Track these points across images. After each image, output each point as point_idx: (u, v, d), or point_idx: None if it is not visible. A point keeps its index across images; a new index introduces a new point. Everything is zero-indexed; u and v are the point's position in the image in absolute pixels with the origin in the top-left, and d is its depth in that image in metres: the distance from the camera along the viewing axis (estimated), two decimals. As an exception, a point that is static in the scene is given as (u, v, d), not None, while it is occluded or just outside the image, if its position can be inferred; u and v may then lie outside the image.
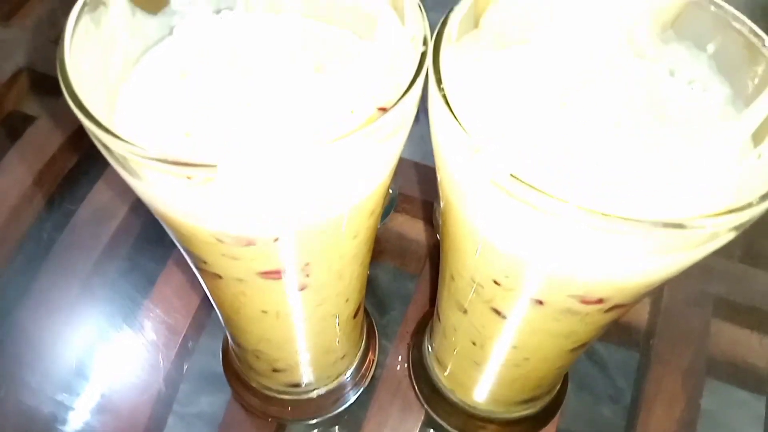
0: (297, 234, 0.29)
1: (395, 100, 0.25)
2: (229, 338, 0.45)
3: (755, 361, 0.56)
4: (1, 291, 0.58)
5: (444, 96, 0.25)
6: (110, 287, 0.59)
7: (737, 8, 0.29)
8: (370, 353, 0.50)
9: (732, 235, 0.26)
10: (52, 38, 0.76)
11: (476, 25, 0.32)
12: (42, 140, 0.68)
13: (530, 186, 0.24)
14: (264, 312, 0.36)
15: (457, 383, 0.46)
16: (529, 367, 0.39)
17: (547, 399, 0.47)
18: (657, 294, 0.59)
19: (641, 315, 0.59)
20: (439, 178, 0.31)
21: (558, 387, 0.48)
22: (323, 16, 0.35)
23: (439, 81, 0.26)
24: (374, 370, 0.50)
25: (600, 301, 0.29)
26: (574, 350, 0.36)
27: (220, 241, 0.29)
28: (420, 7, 0.30)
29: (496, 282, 0.31)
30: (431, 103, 0.27)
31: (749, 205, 0.23)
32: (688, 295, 0.59)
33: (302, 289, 0.34)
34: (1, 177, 0.64)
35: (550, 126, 0.31)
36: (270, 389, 0.47)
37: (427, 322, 0.51)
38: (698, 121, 0.32)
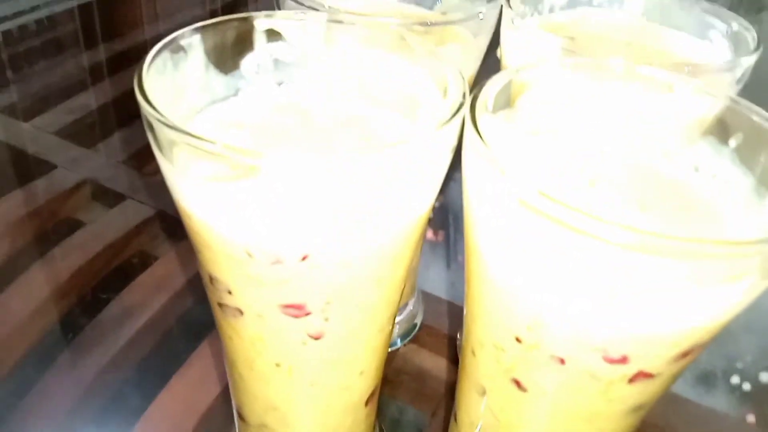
0: (323, 259, 0.30)
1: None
2: (235, 418, 0.43)
3: None
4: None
5: (474, 122, 0.27)
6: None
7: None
8: (378, 466, 0.47)
9: (758, 287, 0.26)
10: (120, 159, 0.83)
11: (511, 104, 0.35)
12: (86, 242, 0.71)
13: (561, 203, 0.24)
14: (278, 365, 0.35)
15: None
16: (548, 469, 0.36)
17: None
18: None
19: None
20: (465, 225, 0.32)
21: None
22: (374, 99, 0.38)
23: (473, 113, 0.28)
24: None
25: (624, 359, 0.28)
26: (597, 448, 0.34)
27: (249, 255, 0.29)
28: (462, 76, 0.33)
29: (518, 339, 0.31)
30: (465, 141, 0.29)
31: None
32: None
33: (319, 337, 0.33)
34: (37, 274, 0.67)
35: (575, 199, 0.32)
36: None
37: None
38: (722, 210, 0.33)
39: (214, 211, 0.29)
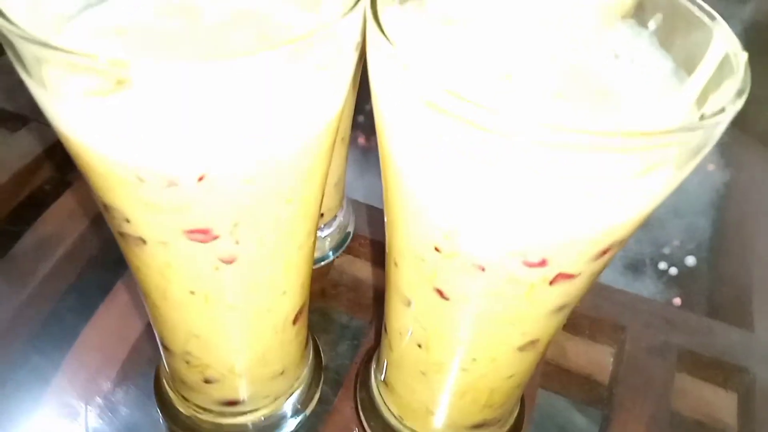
0: (222, 177, 0.27)
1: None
2: (160, 348, 0.41)
3: (717, 414, 0.54)
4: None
5: (376, 15, 0.25)
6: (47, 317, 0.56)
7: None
8: (313, 381, 0.46)
9: (673, 179, 0.25)
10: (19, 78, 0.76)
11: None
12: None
13: (469, 101, 0.22)
14: (192, 293, 0.33)
15: (406, 408, 0.42)
16: (478, 372, 0.36)
17: (501, 430, 0.43)
18: (620, 344, 0.57)
19: (604, 366, 0.57)
20: (377, 129, 0.30)
21: (513, 419, 0.44)
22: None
23: (374, 6, 0.25)
24: (318, 399, 0.46)
25: (543, 262, 0.27)
26: (522, 349, 0.34)
27: (140, 179, 0.27)
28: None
29: (437, 249, 0.29)
30: (367, 37, 0.26)
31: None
32: (651, 344, 0.57)
33: (231, 261, 0.31)
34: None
35: (492, 92, 0.30)
36: (203, 410, 0.42)
37: (372, 354, 0.48)
38: (642, 95, 0.31)
39: (92, 131, 0.26)
